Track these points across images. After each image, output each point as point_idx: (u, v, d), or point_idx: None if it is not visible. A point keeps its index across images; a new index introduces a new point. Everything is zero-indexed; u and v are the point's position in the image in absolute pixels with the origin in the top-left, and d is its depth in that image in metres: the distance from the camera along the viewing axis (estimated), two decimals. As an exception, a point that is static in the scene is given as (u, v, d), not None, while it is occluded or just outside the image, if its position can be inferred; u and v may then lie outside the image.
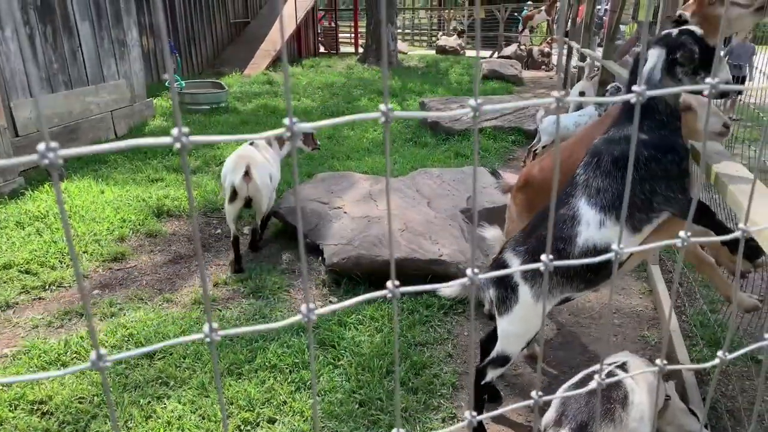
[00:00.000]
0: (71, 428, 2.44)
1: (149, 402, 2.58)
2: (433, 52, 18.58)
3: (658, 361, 0.70)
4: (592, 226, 1.94)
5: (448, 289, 2.27)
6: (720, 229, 1.89)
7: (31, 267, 3.78)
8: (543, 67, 15.50)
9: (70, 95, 6.46)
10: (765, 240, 1.55)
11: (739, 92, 5.05)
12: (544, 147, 6.44)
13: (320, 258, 3.83)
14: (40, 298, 3.52)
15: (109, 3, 7.15)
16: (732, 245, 1.96)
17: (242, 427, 2.45)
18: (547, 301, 2.09)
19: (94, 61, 6.92)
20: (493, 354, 2.28)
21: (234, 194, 3.75)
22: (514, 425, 2.56)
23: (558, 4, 15.80)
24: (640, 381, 1.84)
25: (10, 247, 4.00)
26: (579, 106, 7.20)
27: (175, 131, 0.41)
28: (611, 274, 2.08)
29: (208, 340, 0.46)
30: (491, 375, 2.31)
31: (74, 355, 2.90)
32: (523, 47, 15.94)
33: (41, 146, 0.39)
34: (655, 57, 1.78)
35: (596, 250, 1.95)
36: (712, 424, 2.48)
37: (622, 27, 9.41)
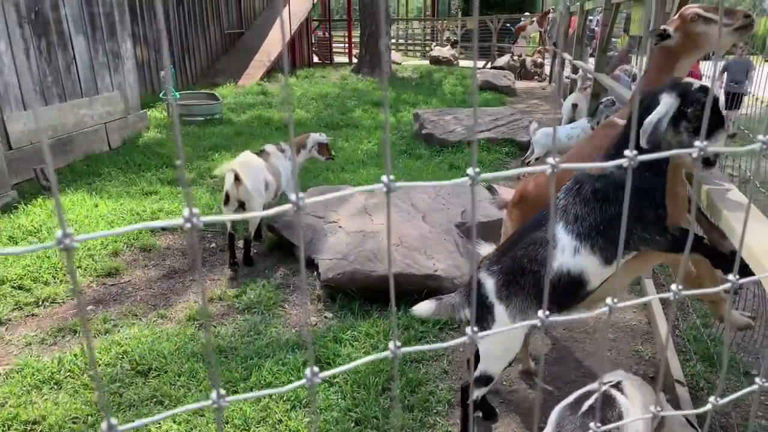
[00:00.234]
0: (65, 449, 2.42)
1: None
2: (427, 62, 18.69)
3: (652, 408, 0.71)
4: (567, 252, 1.95)
5: (421, 309, 2.28)
6: (713, 254, 1.90)
7: (24, 282, 3.76)
8: (536, 77, 15.61)
9: (64, 107, 6.45)
10: (755, 261, 1.56)
11: (738, 107, 5.12)
12: (537, 159, 6.49)
13: (315, 272, 3.83)
14: (33, 315, 3.50)
15: (104, 16, 7.17)
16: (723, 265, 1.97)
17: (237, 447, 2.44)
18: (521, 322, 2.09)
19: (89, 73, 6.92)
20: (476, 373, 2.29)
21: (227, 198, 3.95)
22: (510, 443, 2.56)
23: (550, 15, 15.95)
24: (634, 400, 1.85)
25: (3, 263, 3.97)
26: (572, 119, 7.27)
27: (186, 212, 0.42)
28: (584, 298, 2.11)
29: (215, 406, 0.46)
30: (476, 394, 2.32)
31: (68, 373, 2.88)
32: (516, 58, 16.07)
33: (59, 233, 0.39)
34: (667, 106, 1.74)
35: (570, 276, 1.96)
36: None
37: (614, 39, 9.52)
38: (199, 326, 3.37)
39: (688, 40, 2.16)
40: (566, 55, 11.28)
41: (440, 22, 24.30)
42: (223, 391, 0.49)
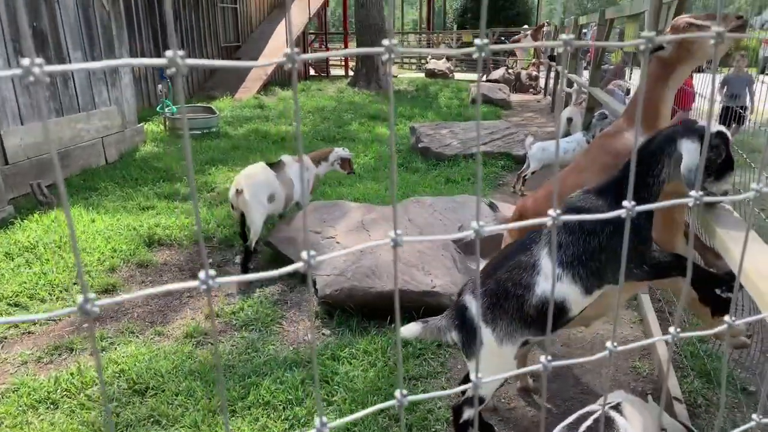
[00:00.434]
0: (61, 471, 2.40)
1: (141, 442, 2.55)
2: (423, 75, 18.81)
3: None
4: (550, 278, 1.96)
5: (407, 331, 2.29)
6: (710, 280, 1.89)
7: (21, 300, 3.75)
8: (531, 90, 15.73)
9: (61, 122, 6.46)
10: (751, 284, 1.57)
11: (740, 123, 5.14)
12: (533, 173, 6.52)
13: (312, 288, 3.83)
14: (29, 333, 3.48)
15: (101, 32, 7.20)
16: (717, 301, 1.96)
17: (235, 468, 2.43)
18: (509, 344, 2.10)
19: (86, 88, 6.94)
20: (468, 394, 2.30)
21: (232, 206, 4.32)
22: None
23: (544, 29, 16.10)
24: (634, 422, 1.85)
25: (-1, 279, 3.96)
26: (567, 133, 7.32)
27: (202, 275, 0.43)
28: (566, 324, 2.12)
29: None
30: (467, 414, 2.32)
31: (64, 392, 2.87)
32: (510, 71, 16.20)
33: (80, 299, 0.40)
34: (694, 153, 1.75)
35: (553, 303, 1.97)
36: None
37: (607, 53, 9.61)
38: (197, 344, 3.36)
39: (683, 50, 2.18)
40: (560, 68, 11.39)
41: (436, 35, 24.50)
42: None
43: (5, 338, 3.40)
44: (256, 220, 4.19)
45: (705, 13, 2.23)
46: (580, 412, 1.93)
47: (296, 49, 0.43)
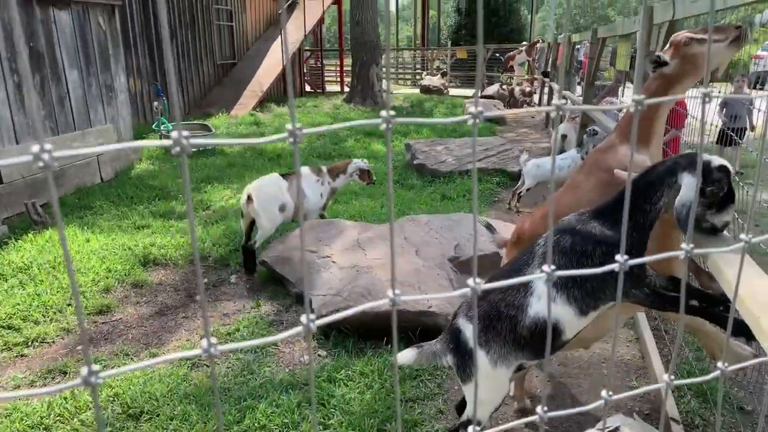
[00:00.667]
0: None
1: (135, 468, 2.52)
2: (418, 90, 18.94)
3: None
4: (543, 300, 1.96)
5: (403, 358, 2.28)
6: (706, 300, 1.89)
7: (14, 322, 3.71)
8: (525, 106, 15.83)
9: (56, 141, 6.46)
10: (745, 309, 1.58)
11: (738, 143, 5.18)
12: (528, 190, 6.55)
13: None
14: (22, 355, 3.45)
15: (98, 50, 7.24)
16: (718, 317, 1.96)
17: (231, 494, 2.40)
18: (503, 367, 2.09)
19: (82, 107, 6.95)
20: (464, 417, 2.29)
21: (242, 213, 4.56)
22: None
23: (538, 45, 16.27)
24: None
25: (-7, 301, 3.93)
26: (561, 149, 7.37)
27: (204, 343, 0.43)
28: (561, 347, 2.12)
29: None
30: None
31: (57, 417, 2.83)
32: (504, 87, 16.33)
33: (84, 371, 0.40)
34: (692, 188, 1.75)
35: (545, 325, 1.97)
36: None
37: (600, 71, 9.71)
38: (192, 366, 3.34)
39: (688, 64, 2.20)
40: (554, 85, 11.49)
41: (430, 51, 24.71)
42: None
43: (-2, 361, 3.36)
44: (265, 226, 4.47)
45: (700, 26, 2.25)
46: (578, 437, 1.93)
47: (298, 125, 0.44)
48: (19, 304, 3.88)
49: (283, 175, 4.68)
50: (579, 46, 13.57)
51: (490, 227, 3.46)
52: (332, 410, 2.88)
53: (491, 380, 2.12)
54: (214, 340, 0.44)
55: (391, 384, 3.07)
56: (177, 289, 4.38)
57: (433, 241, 4.45)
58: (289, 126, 0.44)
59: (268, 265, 4.37)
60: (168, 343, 3.61)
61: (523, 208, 6.54)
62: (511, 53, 17.86)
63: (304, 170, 4.83)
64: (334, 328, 3.58)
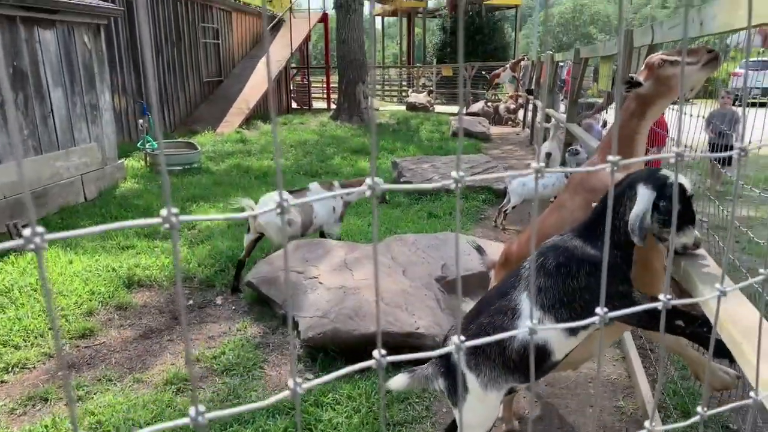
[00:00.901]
0: None
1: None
2: (404, 107, 19.07)
3: None
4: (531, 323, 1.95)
5: (396, 383, 2.27)
6: (696, 329, 1.89)
7: (-6, 347, 3.64)
8: (509, 123, 16.02)
9: (39, 161, 6.40)
10: (726, 333, 1.60)
11: (724, 163, 5.24)
12: (513, 208, 6.60)
13: (295, 331, 3.79)
14: (2, 382, 3.37)
15: (83, 69, 7.21)
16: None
17: None
18: (494, 391, 2.09)
19: (66, 125, 6.90)
20: None
21: (248, 227, 4.64)
22: None
23: (522, 63, 16.50)
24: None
25: (-28, 326, 3.85)
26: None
27: (192, 411, 0.43)
28: (550, 370, 2.13)
29: None
30: None
31: (38, 447, 2.77)
32: (489, 104, 16.51)
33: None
34: (645, 199, 1.77)
35: (534, 347, 1.97)
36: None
37: (584, 90, 9.86)
38: (177, 391, 3.29)
39: (661, 85, 2.24)
40: (538, 102, 11.65)
41: (416, 69, 24.96)
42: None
43: (-24, 388, 3.29)
44: (275, 238, 4.61)
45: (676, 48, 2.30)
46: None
47: (285, 196, 0.44)
48: (-1, 329, 3.80)
49: (291, 191, 4.74)
50: (562, 65, 13.80)
51: (480, 249, 3.47)
52: (319, 435, 2.85)
53: (482, 404, 2.12)
54: (201, 407, 0.44)
55: (378, 407, 3.05)
56: (162, 311, 4.32)
57: (420, 261, 4.45)
58: (276, 198, 0.45)
59: (254, 286, 4.34)
60: (152, 367, 3.56)
61: (509, 226, 6.58)
62: (497, 71, 18.09)
63: (314, 186, 4.93)
64: (321, 351, 3.56)
